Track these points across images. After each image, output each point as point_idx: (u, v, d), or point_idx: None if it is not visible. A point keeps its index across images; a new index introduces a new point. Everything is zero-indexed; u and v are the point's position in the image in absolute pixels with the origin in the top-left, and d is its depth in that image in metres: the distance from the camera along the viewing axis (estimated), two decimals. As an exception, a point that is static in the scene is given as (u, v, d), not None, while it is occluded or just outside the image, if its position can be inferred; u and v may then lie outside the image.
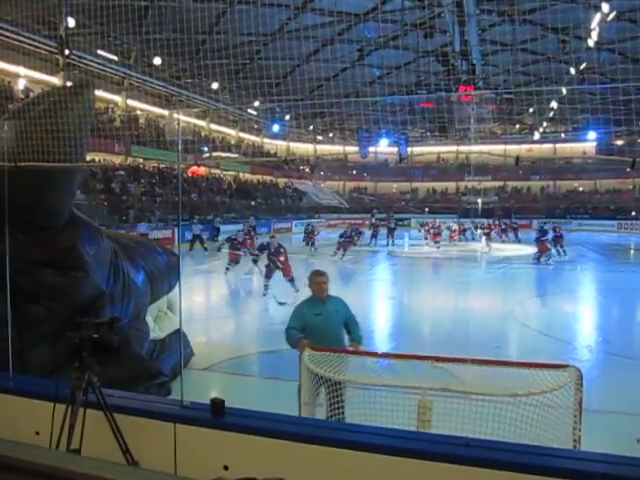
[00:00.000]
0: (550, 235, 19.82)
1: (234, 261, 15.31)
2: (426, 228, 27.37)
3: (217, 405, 2.33)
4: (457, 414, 3.00)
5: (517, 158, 46.47)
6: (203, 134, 39.52)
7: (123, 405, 2.54)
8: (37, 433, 2.68)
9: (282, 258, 12.28)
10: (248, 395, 5.77)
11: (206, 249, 21.39)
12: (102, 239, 5.53)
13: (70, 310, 4.65)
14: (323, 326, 4.36)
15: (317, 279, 4.61)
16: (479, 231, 27.16)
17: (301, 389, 3.73)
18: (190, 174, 35.79)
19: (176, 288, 6.86)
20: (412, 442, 2.24)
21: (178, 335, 5.22)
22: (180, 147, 6.32)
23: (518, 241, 27.80)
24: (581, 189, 48.82)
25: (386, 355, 3.92)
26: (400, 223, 34.74)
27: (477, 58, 32.78)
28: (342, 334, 4.55)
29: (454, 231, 28.38)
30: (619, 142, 44.21)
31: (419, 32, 32.83)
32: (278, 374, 6.62)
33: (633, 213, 41.00)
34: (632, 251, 26.94)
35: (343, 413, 3.78)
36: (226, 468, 2.24)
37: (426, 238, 26.60)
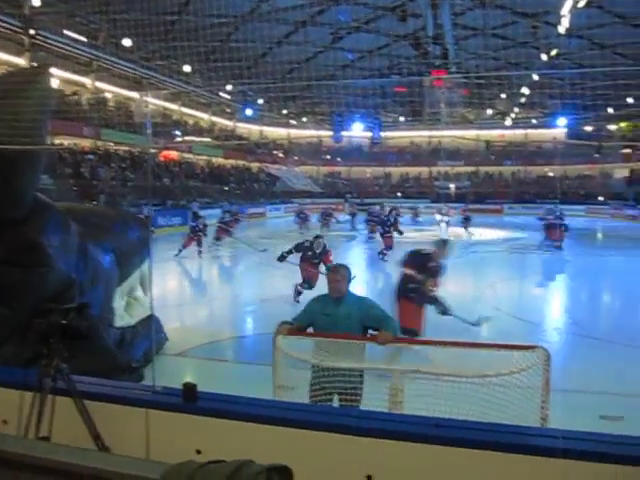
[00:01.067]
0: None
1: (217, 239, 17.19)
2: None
3: (189, 390, 2.31)
4: (428, 395, 3.04)
5: (487, 143, 47.00)
6: (174, 118, 38.93)
7: (93, 391, 2.50)
8: (5, 422, 2.63)
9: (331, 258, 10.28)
10: (222, 380, 5.75)
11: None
12: (69, 225, 5.34)
13: (37, 305, 4.49)
14: (329, 328, 3.94)
15: (329, 276, 4.17)
16: (439, 217, 26.43)
17: (274, 373, 3.72)
18: (162, 158, 35.27)
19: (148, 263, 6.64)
20: (382, 422, 2.26)
21: (150, 320, 5.14)
22: (149, 130, 6.15)
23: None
24: (551, 174, 49.60)
25: (360, 338, 3.88)
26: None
27: (450, 43, 32.83)
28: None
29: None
30: (588, 128, 45.05)
31: (392, 16, 32.75)
32: (253, 359, 6.61)
33: (601, 198, 41.89)
34: (600, 235, 27.55)
35: (331, 400, 3.75)
36: (199, 452, 2.23)
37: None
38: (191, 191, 32.92)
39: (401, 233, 17.47)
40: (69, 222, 5.38)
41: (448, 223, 24.05)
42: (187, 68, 32.28)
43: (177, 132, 36.95)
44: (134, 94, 31.57)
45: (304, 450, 2.14)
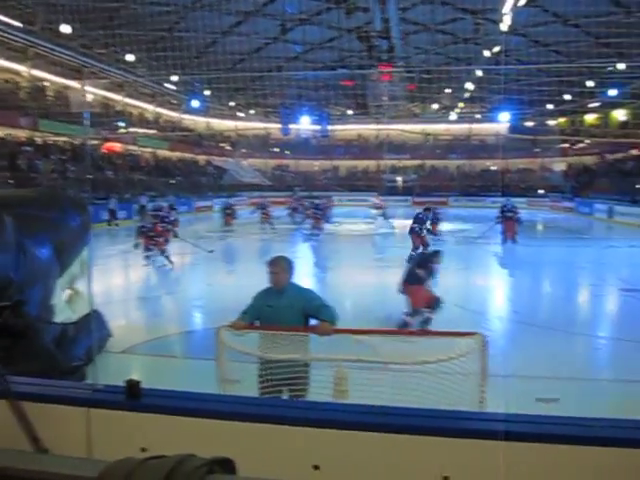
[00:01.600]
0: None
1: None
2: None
3: (132, 387, 2.24)
4: (373, 384, 3.15)
5: (427, 134, 48.13)
6: (118, 108, 37.82)
7: (30, 392, 2.40)
8: None
9: None
10: (169, 377, 5.67)
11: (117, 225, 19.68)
12: (3, 221, 5.09)
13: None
14: (273, 319, 4.04)
15: (268, 268, 4.22)
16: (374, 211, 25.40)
17: (217, 367, 3.70)
18: (105, 150, 34.22)
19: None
20: (329, 412, 2.28)
21: (91, 317, 4.99)
22: (88, 121, 5.95)
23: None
24: (494, 168, 51.11)
25: (301, 329, 3.95)
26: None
27: (397, 38, 33.25)
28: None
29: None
30: (529, 123, 46.65)
31: (340, 10, 32.86)
32: (201, 354, 6.53)
33: (541, 191, 43.50)
34: (540, 227, 28.60)
35: (281, 392, 3.77)
36: (144, 450, 2.18)
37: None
38: (136, 184, 32.12)
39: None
40: (3, 218, 5.13)
41: (384, 215, 23.94)
42: (130, 57, 31.35)
43: (121, 123, 35.93)
44: (75, 83, 30.44)
45: (250, 443, 2.13)
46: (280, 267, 4.19)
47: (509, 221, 17.40)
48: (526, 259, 15.48)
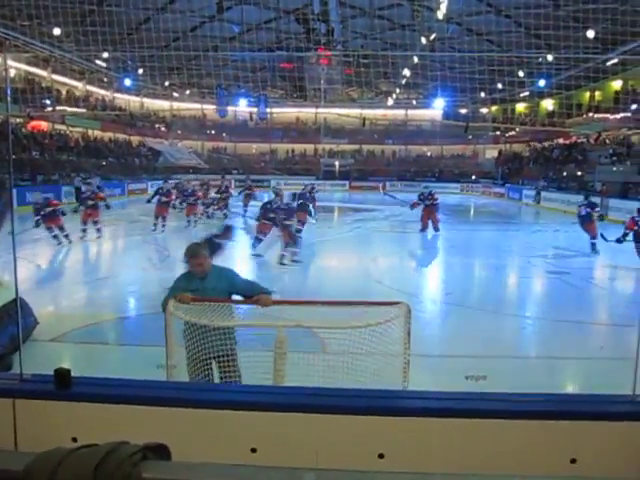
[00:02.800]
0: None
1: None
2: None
3: (62, 376, 2.16)
4: (307, 365, 3.36)
5: (364, 120, 48.61)
6: (44, 85, 35.93)
7: (-50, 383, 2.28)
8: None
9: None
10: (103, 364, 5.51)
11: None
12: None
13: None
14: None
15: (192, 261, 4.15)
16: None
17: (167, 340, 3.66)
18: (30, 129, 32.49)
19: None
20: (263, 395, 2.29)
21: (17, 304, 4.75)
22: (9, 97, 5.64)
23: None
24: (429, 154, 52.30)
25: (244, 302, 4.12)
26: (259, 185, 34.50)
27: (335, 21, 33.23)
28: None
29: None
30: (463, 110, 47.90)
31: (279, -10, 32.46)
32: (135, 341, 6.38)
33: (474, 177, 44.92)
34: (472, 211, 29.57)
35: (210, 368, 3.90)
36: (75, 440, 2.12)
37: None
38: (64, 165, 30.75)
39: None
40: None
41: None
42: (57, 31, 29.75)
43: (47, 101, 34.16)
44: (-5, 57, 28.60)
45: (186, 428, 2.11)
46: (203, 257, 4.15)
47: (428, 208, 16.96)
48: (459, 242, 15.98)
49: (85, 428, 2.17)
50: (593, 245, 13.26)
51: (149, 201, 17.70)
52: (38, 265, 11.59)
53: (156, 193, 17.54)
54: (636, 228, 11.03)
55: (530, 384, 4.64)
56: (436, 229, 16.81)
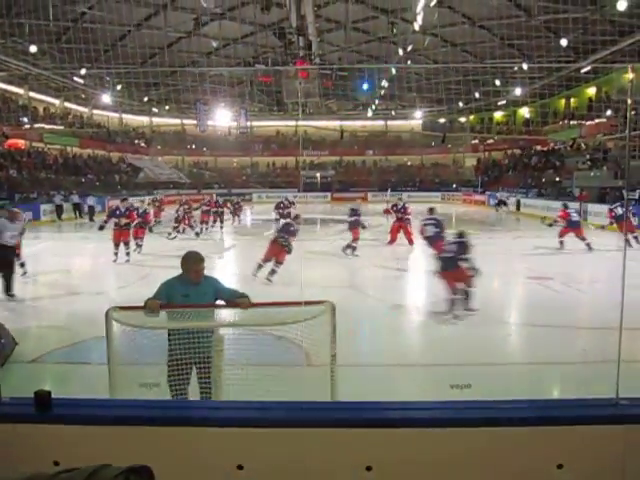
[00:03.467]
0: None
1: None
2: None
3: (42, 398, 2.12)
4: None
5: (342, 132, 48.90)
6: (21, 103, 35.59)
7: None
8: None
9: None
10: (85, 385, 5.40)
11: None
12: None
13: None
14: None
15: (194, 267, 4.41)
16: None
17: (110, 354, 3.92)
18: (7, 147, 32.12)
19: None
20: (252, 412, 2.27)
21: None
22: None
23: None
24: (409, 163, 52.70)
25: (226, 306, 4.44)
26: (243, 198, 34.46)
27: (313, 35, 33.41)
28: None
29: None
30: (441, 120, 48.49)
31: (256, 5, 32.56)
32: (120, 359, 6.28)
33: (454, 185, 45.34)
34: (454, 219, 29.73)
35: (189, 373, 4.19)
36: (57, 464, 2.08)
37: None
38: (43, 183, 30.41)
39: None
40: None
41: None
42: (33, 48, 29.52)
43: (24, 119, 33.82)
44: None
45: (170, 447, 2.09)
46: (203, 264, 4.49)
47: (400, 222, 16.27)
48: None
49: (67, 450, 2.13)
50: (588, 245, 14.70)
51: (102, 228, 14.48)
52: (16, 282, 11.37)
53: (111, 214, 14.47)
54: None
55: (515, 390, 4.66)
56: (410, 242, 16.12)
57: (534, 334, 7.50)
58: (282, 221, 15.25)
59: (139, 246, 15.24)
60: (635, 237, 14.69)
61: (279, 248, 10.94)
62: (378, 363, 6.03)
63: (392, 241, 16.43)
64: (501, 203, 32.14)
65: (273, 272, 10.82)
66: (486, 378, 5.10)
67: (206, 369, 4.08)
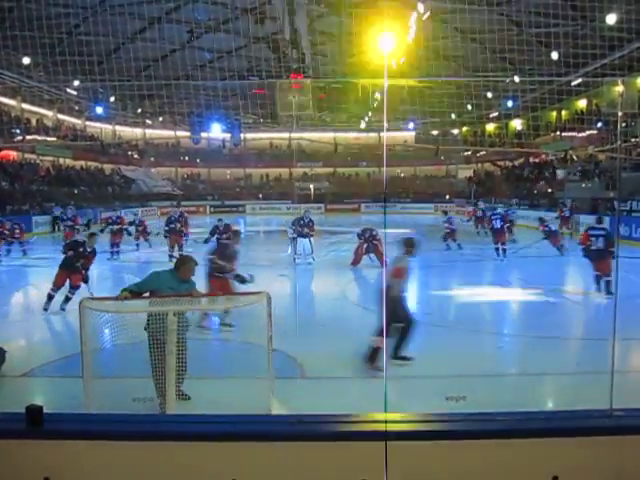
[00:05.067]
0: None
1: None
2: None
3: (33, 413, 2.09)
4: None
5: (336, 145, 49.11)
6: (13, 114, 35.53)
7: None
8: None
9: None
10: (77, 399, 5.35)
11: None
12: None
13: None
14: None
15: (191, 267, 5.59)
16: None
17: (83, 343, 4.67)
18: (-1, 159, 32.06)
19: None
20: (247, 425, 2.25)
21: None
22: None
23: None
24: (403, 175, 52.90)
25: (160, 296, 5.16)
26: (235, 209, 34.47)
27: (306, 47, 33.66)
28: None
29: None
30: (434, 132, 48.75)
31: (250, 17, 32.80)
32: (111, 372, 6.22)
33: (447, 197, 45.50)
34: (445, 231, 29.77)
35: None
36: (48, 480, 2.05)
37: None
38: (35, 195, 30.29)
39: None
40: None
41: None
42: (26, 60, 29.54)
43: (17, 131, 33.75)
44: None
45: (165, 462, 2.06)
46: (194, 267, 5.65)
47: (366, 245, 15.05)
48: (434, 263, 16.06)
49: (58, 466, 2.10)
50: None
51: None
52: (7, 295, 11.29)
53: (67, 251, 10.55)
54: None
55: (510, 402, 4.65)
56: (383, 264, 13.69)
57: (527, 345, 7.49)
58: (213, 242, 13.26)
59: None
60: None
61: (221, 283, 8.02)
62: (370, 375, 5.99)
63: (356, 262, 15.09)
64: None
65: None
66: (481, 389, 5.09)
67: (182, 346, 4.93)
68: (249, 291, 4.98)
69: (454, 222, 19.43)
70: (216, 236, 14.08)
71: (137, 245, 18.33)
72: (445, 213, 20.91)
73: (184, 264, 5.58)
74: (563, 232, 19.43)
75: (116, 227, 16.66)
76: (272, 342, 4.78)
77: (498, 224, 16.77)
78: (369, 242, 15.10)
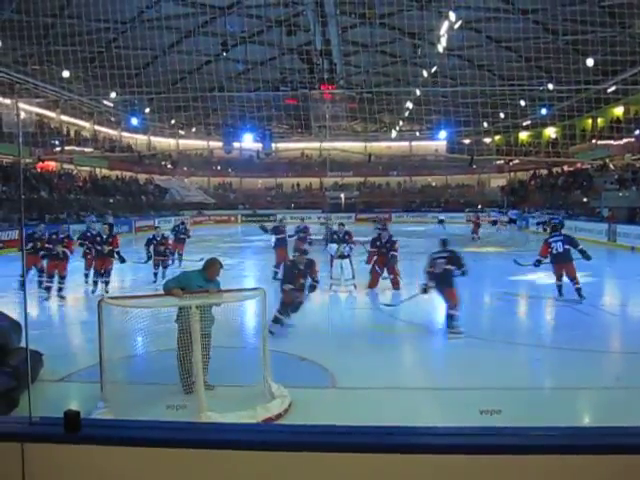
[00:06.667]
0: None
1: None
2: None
3: (71, 418, 2.12)
4: None
5: (369, 155, 48.97)
6: (53, 126, 36.60)
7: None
8: None
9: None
10: (113, 405, 5.43)
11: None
12: None
13: None
14: None
15: (218, 269, 6.11)
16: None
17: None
18: (39, 169, 32.99)
19: None
20: (274, 435, 2.24)
21: (26, 344, 4.74)
22: (21, 139, 5.79)
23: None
24: (434, 184, 52.53)
25: (201, 291, 5.75)
26: (266, 219, 34.73)
27: (338, 57, 33.84)
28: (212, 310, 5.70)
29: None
30: (466, 141, 48.26)
31: (282, 29, 33.18)
32: (145, 379, 6.30)
33: (479, 206, 44.95)
34: (479, 240, 29.40)
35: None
36: (84, 485, 2.08)
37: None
38: (72, 204, 31.07)
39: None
40: None
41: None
42: (66, 74, 30.46)
43: (56, 141, 34.76)
44: (7, 100, 29.23)
45: (199, 470, 2.06)
46: (220, 269, 6.19)
47: (382, 257, 12.34)
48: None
49: (95, 472, 2.13)
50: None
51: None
52: (45, 303, 11.57)
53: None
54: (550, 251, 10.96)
55: (545, 417, 4.54)
56: (396, 286, 12.24)
57: (564, 357, 7.31)
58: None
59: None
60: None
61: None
62: (403, 385, 5.93)
63: (373, 284, 12.40)
64: (511, 221, 32.50)
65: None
66: (516, 403, 4.98)
67: (207, 339, 5.46)
68: (243, 288, 5.72)
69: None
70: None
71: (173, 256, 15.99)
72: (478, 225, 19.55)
73: (211, 266, 6.12)
74: None
75: (162, 248, 14.41)
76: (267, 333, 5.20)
77: (560, 247, 10.92)
78: (385, 254, 12.32)
